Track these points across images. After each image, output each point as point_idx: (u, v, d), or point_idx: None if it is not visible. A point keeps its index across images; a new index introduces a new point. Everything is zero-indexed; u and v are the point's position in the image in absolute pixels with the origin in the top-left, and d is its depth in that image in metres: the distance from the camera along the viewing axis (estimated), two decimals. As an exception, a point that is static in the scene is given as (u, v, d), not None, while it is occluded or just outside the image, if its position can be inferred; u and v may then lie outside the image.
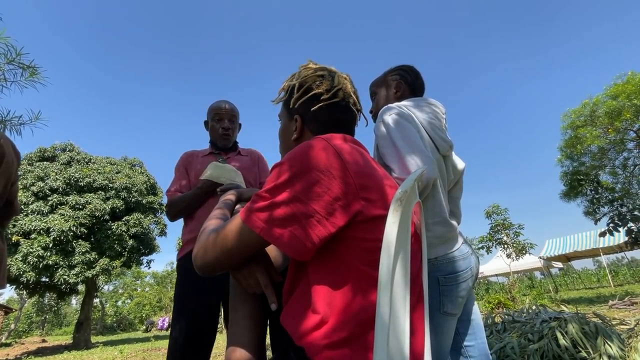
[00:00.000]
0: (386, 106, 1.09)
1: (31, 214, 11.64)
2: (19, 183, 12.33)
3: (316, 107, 0.74)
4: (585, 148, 11.06)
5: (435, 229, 1.00)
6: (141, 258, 14.54)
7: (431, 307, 0.95)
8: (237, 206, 0.85)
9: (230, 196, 0.85)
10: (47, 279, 11.84)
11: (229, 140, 1.68)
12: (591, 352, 2.18)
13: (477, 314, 1.13)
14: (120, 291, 34.28)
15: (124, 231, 12.73)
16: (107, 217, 12.49)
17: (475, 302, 1.15)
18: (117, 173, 13.93)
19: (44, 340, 17.45)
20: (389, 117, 1.04)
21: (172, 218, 1.51)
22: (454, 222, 1.06)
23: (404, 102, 1.14)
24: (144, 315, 31.55)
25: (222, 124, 1.65)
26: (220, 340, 6.72)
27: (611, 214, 7.40)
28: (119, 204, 12.83)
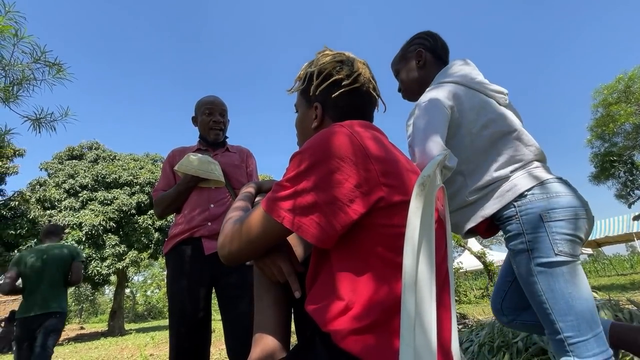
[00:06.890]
0: (427, 89, 1.07)
1: (64, 210, 12.32)
2: (52, 180, 13.06)
3: (337, 93, 0.73)
4: (619, 127, 10.42)
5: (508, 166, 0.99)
6: (167, 250, 15.13)
7: (542, 253, 0.87)
8: (258, 198, 0.85)
9: (250, 188, 0.86)
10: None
11: (220, 135, 1.64)
12: (625, 340, 2.09)
13: None
14: (149, 281, 35.92)
15: (149, 224, 13.26)
16: (133, 211, 13.03)
17: None
18: (140, 169, 14.45)
19: (82, 328, 18.65)
20: (422, 103, 1.02)
21: (160, 216, 1.55)
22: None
23: (443, 79, 1.09)
24: (172, 304, 32.96)
25: (214, 117, 1.61)
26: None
27: (647, 196, 6.98)
28: (143, 199, 13.33)
